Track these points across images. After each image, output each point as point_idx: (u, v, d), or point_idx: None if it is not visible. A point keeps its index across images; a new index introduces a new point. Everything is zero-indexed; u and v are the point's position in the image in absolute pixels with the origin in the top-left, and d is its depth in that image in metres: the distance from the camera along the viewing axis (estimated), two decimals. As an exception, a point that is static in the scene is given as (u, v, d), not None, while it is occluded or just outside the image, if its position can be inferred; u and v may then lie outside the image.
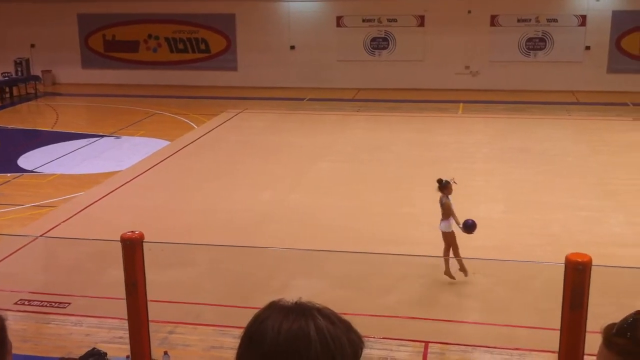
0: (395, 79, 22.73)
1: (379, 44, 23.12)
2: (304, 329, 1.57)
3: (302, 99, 21.38)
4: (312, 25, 23.20)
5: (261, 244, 9.66)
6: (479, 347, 7.00)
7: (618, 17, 21.66)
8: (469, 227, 8.32)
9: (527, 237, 10.09)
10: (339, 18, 23.12)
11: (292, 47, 23.44)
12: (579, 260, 4.21)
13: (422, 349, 7.00)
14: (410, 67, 22.77)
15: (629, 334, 1.96)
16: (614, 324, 2.02)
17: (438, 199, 8.58)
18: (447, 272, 8.49)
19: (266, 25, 23.45)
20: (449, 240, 8.44)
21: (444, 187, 8.51)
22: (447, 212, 8.42)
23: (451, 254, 8.48)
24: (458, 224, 8.37)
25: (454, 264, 8.51)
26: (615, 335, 1.99)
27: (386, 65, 23.01)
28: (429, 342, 7.12)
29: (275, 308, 1.65)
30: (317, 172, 13.64)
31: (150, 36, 24.55)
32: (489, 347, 7.02)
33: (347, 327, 1.63)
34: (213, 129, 17.51)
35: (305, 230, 10.42)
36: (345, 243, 9.68)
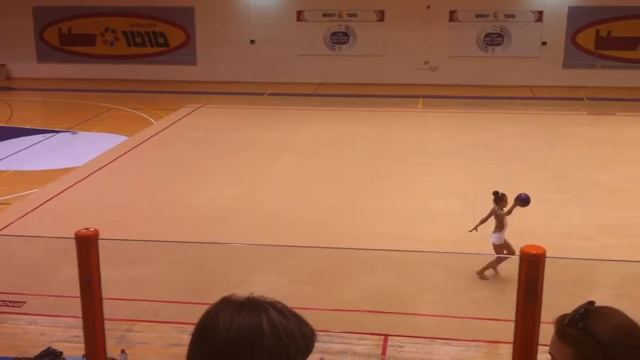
0: (356, 74, 22.79)
1: (339, 38, 23.14)
2: (257, 323, 1.56)
3: (263, 94, 21.29)
4: (272, 20, 23.10)
5: (223, 240, 9.58)
6: (437, 340, 7.06)
7: (573, 12, 22.04)
8: (524, 200, 8.43)
9: (484, 230, 10.17)
10: (299, 12, 23.08)
11: (252, 42, 23.32)
12: (534, 252, 4.25)
13: (382, 342, 7.03)
14: (370, 62, 22.85)
15: (580, 324, 1.98)
16: (566, 315, 2.05)
17: (491, 209, 8.66)
18: (480, 274, 8.61)
19: (226, 19, 23.28)
20: (498, 252, 8.51)
21: (500, 199, 8.57)
22: (500, 223, 8.47)
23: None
24: (520, 205, 8.48)
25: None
26: (567, 325, 2.01)
27: (347, 60, 23.05)
28: (389, 335, 7.16)
29: (226, 303, 1.63)
30: (279, 168, 13.60)
31: (107, 30, 24.17)
32: (447, 339, 7.09)
33: (299, 321, 1.63)
34: (172, 124, 17.33)
35: (268, 226, 10.38)
36: (308, 238, 9.68)
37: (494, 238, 8.55)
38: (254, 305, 1.60)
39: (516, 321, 4.28)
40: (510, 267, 8.19)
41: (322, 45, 23.21)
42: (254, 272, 8.77)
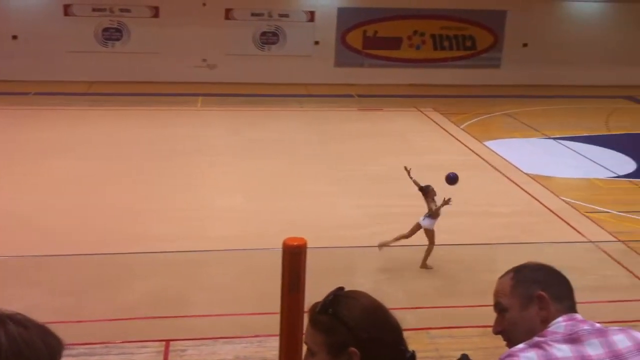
0: (131, 72, 22.01)
1: (111, 34, 22.21)
2: None
3: (28, 94, 19.80)
4: (36, 14, 21.52)
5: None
6: (219, 339, 7.04)
7: (342, 13, 23.16)
8: (452, 179, 8.82)
9: (266, 225, 10.38)
10: (66, 6, 21.76)
11: (15, 37, 21.57)
12: (295, 244, 4.36)
13: (163, 348, 6.86)
14: (146, 60, 22.20)
15: (330, 310, 2.03)
16: (318, 303, 2.09)
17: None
18: (423, 265, 9.00)
19: (-18, 12, 21.30)
20: (431, 236, 8.89)
21: (427, 192, 8.93)
22: (435, 213, 8.86)
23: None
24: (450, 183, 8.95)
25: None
26: (318, 313, 2.06)
27: (121, 57, 22.18)
28: (170, 340, 7.00)
29: None
30: (47, 172, 12.72)
31: None
32: (229, 337, 7.09)
33: (44, 332, 1.59)
34: None
35: (30, 235, 9.66)
36: (79, 246, 9.19)
37: (427, 223, 8.91)
38: None
39: (281, 312, 4.37)
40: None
41: (94, 41, 22.12)
42: (10, 287, 8.09)
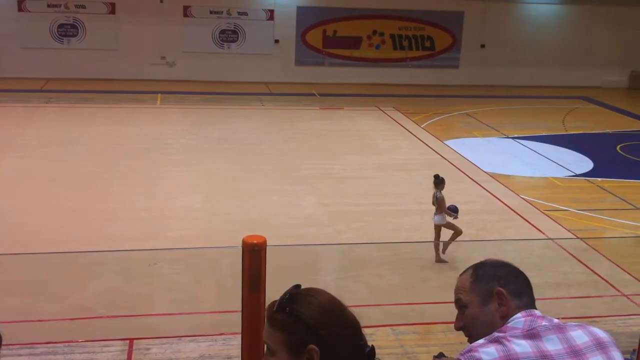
0: (88, 69, 21.63)
1: (67, 31, 21.77)
2: None
3: (-19, 90, 19.30)
4: (-11, 9, 21.02)
5: None
6: (184, 338, 6.94)
7: (302, 12, 23.14)
8: (454, 210, 9.01)
9: (226, 224, 10.28)
10: (20, 2, 21.26)
11: (-33, 32, 21.01)
12: (255, 242, 4.31)
13: (127, 347, 6.73)
14: (103, 56, 21.84)
15: (287, 308, 2.00)
16: (275, 302, 2.06)
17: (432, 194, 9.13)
18: (438, 259, 9.09)
19: None
20: (439, 232, 9.06)
21: (440, 182, 9.02)
22: (441, 206, 8.97)
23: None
24: (449, 215, 9.02)
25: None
26: (276, 312, 2.03)
27: (77, 54, 21.76)
28: (134, 338, 6.88)
29: None
30: (0, 170, 12.40)
31: None
32: (194, 335, 7.00)
33: None
34: None
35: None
36: (30, 245, 8.98)
37: (436, 220, 9.05)
38: None
39: (243, 311, 4.32)
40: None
41: (49, 37, 21.66)
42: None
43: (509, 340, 2.17)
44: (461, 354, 2.18)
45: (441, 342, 6.88)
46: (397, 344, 7.01)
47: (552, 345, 2.18)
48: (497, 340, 2.18)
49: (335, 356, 1.98)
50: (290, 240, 9.46)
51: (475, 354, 2.15)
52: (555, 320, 2.27)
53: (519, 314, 2.27)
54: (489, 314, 2.32)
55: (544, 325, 2.22)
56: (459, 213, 9.20)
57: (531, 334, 2.20)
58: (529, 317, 2.26)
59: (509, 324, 2.26)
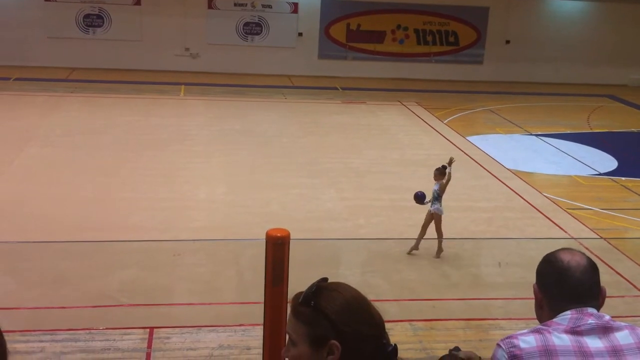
0: (113, 59, 21.80)
1: (93, 21, 21.95)
2: None
3: (8, 79, 19.51)
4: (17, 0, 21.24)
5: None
6: (203, 328, 6.99)
7: (326, 6, 23.10)
8: (420, 197, 8.95)
9: (247, 216, 10.32)
10: (47, -8, 21.47)
11: (-5, 22, 21.24)
12: (278, 235, 4.33)
13: (147, 336, 6.80)
14: (128, 47, 21.99)
15: (312, 302, 2.01)
16: (301, 293, 2.06)
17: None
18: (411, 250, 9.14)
19: (-39, -5, 20.94)
20: (439, 221, 9.05)
21: (444, 172, 9.03)
22: (441, 195, 9.02)
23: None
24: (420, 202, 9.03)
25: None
26: (300, 304, 2.03)
27: (102, 44, 21.94)
28: (154, 327, 6.94)
29: None
30: (25, 159, 12.55)
31: None
32: (213, 326, 7.05)
33: None
34: None
35: (9, 222, 9.52)
36: (53, 233, 9.10)
37: (439, 209, 9.03)
38: None
39: (265, 303, 4.34)
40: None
41: (74, 27, 21.84)
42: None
43: (550, 333, 2.24)
44: (501, 341, 2.26)
45: (460, 339, 6.85)
46: (415, 339, 7.00)
47: (593, 342, 2.23)
48: (538, 331, 2.25)
49: (357, 353, 1.98)
50: (310, 234, 9.48)
51: (515, 340, 2.23)
52: (606, 317, 2.31)
53: (567, 312, 2.32)
54: None
55: (590, 323, 2.27)
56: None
57: (574, 331, 2.25)
58: (577, 315, 2.30)
59: (555, 319, 2.31)
